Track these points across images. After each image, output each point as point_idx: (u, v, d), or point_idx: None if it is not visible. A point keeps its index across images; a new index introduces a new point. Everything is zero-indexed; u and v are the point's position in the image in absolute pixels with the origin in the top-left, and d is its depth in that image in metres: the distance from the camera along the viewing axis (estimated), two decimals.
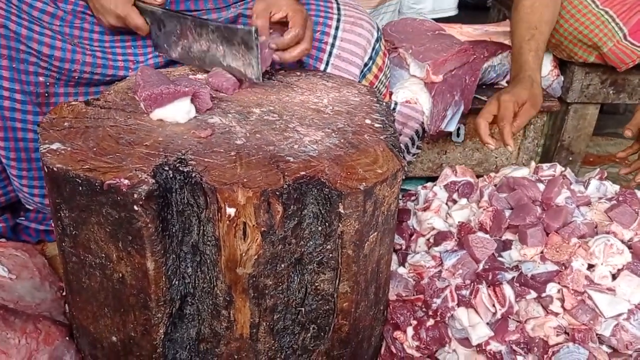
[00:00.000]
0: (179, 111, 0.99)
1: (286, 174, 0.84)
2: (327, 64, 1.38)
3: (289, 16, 1.16)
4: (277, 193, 0.81)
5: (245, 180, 0.82)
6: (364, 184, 0.85)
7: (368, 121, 1.06)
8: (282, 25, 1.19)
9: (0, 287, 1.17)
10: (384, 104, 1.17)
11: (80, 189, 0.80)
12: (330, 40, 1.38)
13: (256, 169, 0.85)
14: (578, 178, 1.34)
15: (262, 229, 0.83)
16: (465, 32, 1.95)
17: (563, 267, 1.04)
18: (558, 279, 1.03)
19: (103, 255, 0.85)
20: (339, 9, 1.43)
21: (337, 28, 1.39)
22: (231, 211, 0.81)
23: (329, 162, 0.89)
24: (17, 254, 1.27)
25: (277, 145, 0.93)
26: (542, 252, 1.07)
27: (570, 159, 2.06)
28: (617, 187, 1.29)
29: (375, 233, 0.92)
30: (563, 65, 1.89)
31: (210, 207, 0.82)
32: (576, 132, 2.00)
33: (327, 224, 0.86)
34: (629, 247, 1.06)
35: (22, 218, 1.44)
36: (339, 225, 0.86)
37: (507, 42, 1.84)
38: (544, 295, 1.02)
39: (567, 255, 1.04)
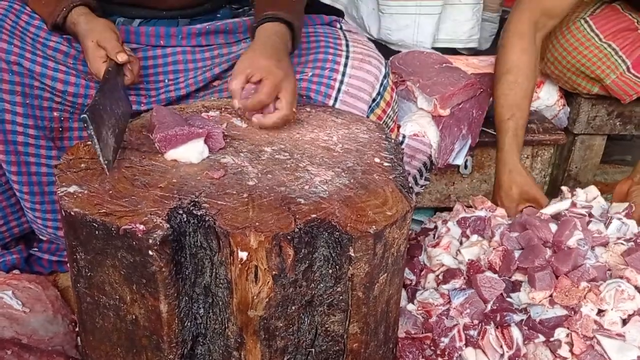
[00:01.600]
0: (192, 152, 1.01)
1: (297, 216, 0.86)
2: (335, 100, 1.41)
3: (262, 81, 1.11)
4: (289, 237, 0.83)
5: (257, 224, 0.83)
6: (374, 227, 0.86)
7: (377, 160, 1.08)
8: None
9: (15, 320, 1.18)
10: (393, 141, 1.18)
11: (97, 232, 0.82)
12: (339, 77, 1.40)
13: (268, 211, 0.87)
14: (608, 208, 1.33)
15: (274, 272, 0.84)
16: (471, 64, 1.97)
17: (572, 312, 1.04)
18: (567, 324, 1.03)
19: (117, 297, 0.86)
20: (347, 46, 1.46)
21: (345, 65, 1.41)
22: (243, 255, 0.83)
23: (339, 203, 0.90)
24: (30, 287, 1.29)
25: (288, 186, 0.95)
26: (551, 296, 1.07)
27: (578, 189, 2.06)
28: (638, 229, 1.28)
29: (385, 274, 0.93)
30: (569, 96, 1.91)
31: (222, 250, 0.83)
32: (583, 162, 2.01)
33: (337, 266, 0.87)
34: None
35: (36, 249, 1.47)
36: (349, 268, 0.87)
37: None
38: (552, 339, 1.03)
39: (576, 299, 1.04)
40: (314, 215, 0.86)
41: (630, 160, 2.58)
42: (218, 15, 1.54)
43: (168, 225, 0.81)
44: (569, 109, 1.93)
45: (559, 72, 1.80)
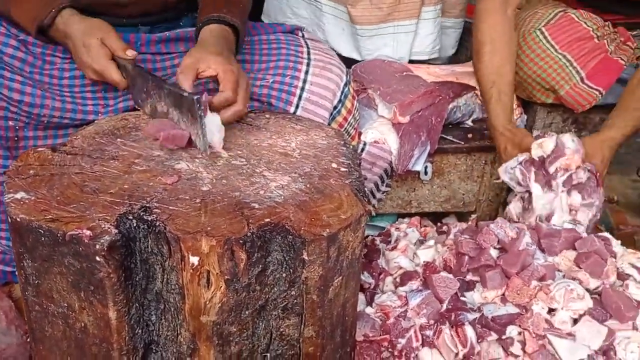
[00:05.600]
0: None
1: (250, 221, 0.86)
2: (297, 107, 1.41)
3: (220, 76, 1.10)
4: (241, 241, 0.82)
5: (209, 228, 0.83)
6: (327, 230, 0.87)
7: (334, 165, 1.09)
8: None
9: None
10: (351, 146, 1.19)
11: (43, 239, 0.80)
12: (300, 84, 1.41)
13: (220, 216, 0.87)
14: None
15: (226, 277, 0.84)
16: (433, 72, 2.00)
17: (524, 310, 1.07)
18: (519, 322, 1.05)
19: (65, 304, 0.85)
20: (309, 53, 1.47)
21: (307, 72, 1.42)
22: (194, 260, 0.82)
23: (294, 208, 0.91)
24: None
25: (243, 192, 0.95)
26: (503, 295, 1.09)
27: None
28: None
29: (340, 277, 0.94)
30: (526, 104, 1.96)
31: (173, 255, 0.83)
32: None
33: (291, 270, 0.87)
34: (597, 294, 1.09)
35: None
36: (303, 272, 0.87)
37: (472, 82, 1.91)
38: (504, 337, 1.05)
39: (527, 297, 1.07)
40: (267, 220, 0.86)
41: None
42: (180, 23, 1.53)
43: (116, 231, 0.80)
44: (526, 117, 1.97)
45: (515, 82, 1.84)
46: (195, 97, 1.00)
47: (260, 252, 0.85)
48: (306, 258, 0.86)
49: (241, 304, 0.87)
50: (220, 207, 0.89)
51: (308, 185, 0.99)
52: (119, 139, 1.09)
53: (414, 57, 1.98)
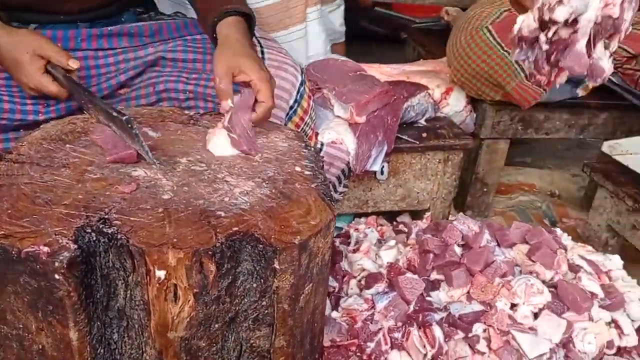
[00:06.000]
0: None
1: (218, 230, 0.82)
2: None
3: (256, 84, 1.09)
4: (210, 252, 0.79)
5: (175, 240, 0.79)
6: (298, 237, 0.85)
7: (298, 168, 1.06)
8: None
9: None
10: (312, 149, 1.18)
11: None
12: None
13: (186, 226, 0.83)
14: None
15: (195, 290, 0.80)
16: (385, 72, 2.02)
17: (488, 307, 1.09)
18: (484, 319, 1.07)
19: (21, 326, 0.78)
20: (262, 53, 1.44)
21: None
22: (161, 274, 0.78)
23: (261, 215, 0.88)
24: None
25: (206, 199, 0.91)
26: (468, 293, 1.11)
27: (485, 190, 2.18)
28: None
29: (310, 284, 0.92)
30: (475, 102, 2.01)
31: (138, 270, 0.78)
32: (489, 165, 2.12)
33: (262, 280, 0.84)
34: (552, 287, 1.12)
35: None
36: (275, 281, 0.85)
37: (424, 81, 1.94)
38: (470, 335, 1.06)
39: (491, 294, 1.09)
40: (235, 229, 0.83)
41: (529, 162, 2.76)
42: (122, 19, 1.47)
43: (75, 246, 0.75)
44: (475, 115, 2.02)
45: (465, 79, 1.88)
46: (124, 118, 0.97)
47: (230, 262, 0.82)
48: (277, 267, 0.84)
49: (210, 317, 0.83)
50: (184, 216, 0.85)
51: (273, 190, 0.96)
52: (67, 145, 1.03)
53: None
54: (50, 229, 0.77)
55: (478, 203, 2.18)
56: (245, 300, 0.86)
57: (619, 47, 2.05)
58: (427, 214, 1.80)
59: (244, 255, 0.83)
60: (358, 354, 1.09)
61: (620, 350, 1.15)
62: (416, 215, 1.89)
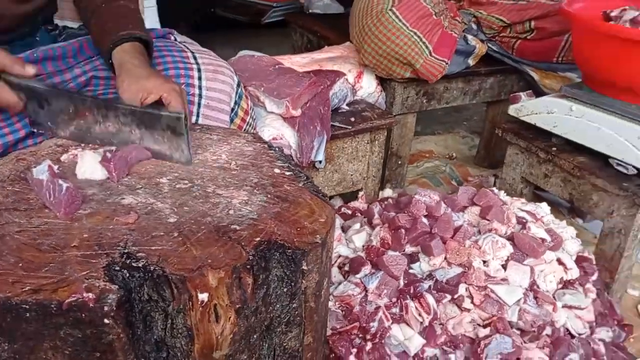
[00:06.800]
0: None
1: (243, 244, 0.83)
2: (198, 116, 1.36)
3: (166, 98, 1.07)
4: (248, 267, 0.80)
5: (210, 261, 0.78)
6: (318, 236, 0.88)
7: (277, 170, 1.08)
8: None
9: None
10: (276, 148, 1.20)
11: (28, 315, 0.68)
12: (197, 91, 1.36)
13: (211, 246, 0.82)
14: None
15: (237, 305, 0.80)
16: (296, 62, 2.06)
17: (466, 268, 1.20)
18: (464, 279, 1.19)
19: None
20: (195, 58, 1.41)
21: (200, 78, 1.37)
22: (204, 297, 0.77)
23: (273, 221, 0.90)
24: None
25: (212, 215, 0.90)
26: (445, 259, 1.21)
27: (400, 162, 2.33)
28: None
29: (327, 279, 0.96)
30: (384, 82, 2.13)
31: (180, 297, 0.77)
32: (401, 139, 2.27)
33: (292, 283, 0.87)
34: (509, 239, 1.26)
35: None
36: (303, 282, 0.87)
37: (336, 68, 2.01)
38: (456, 296, 1.17)
39: (465, 256, 1.20)
40: (258, 239, 0.84)
41: (419, 130, 2.99)
42: (37, 39, 1.35)
43: (116, 287, 0.71)
44: (385, 94, 2.14)
45: (375, 61, 1.99)
46: (183, 114, 1.00)
47: (265, 272, 0.83)
48: (305, 268, 0.86)
49: (250, 329, 0.84)
50: (203, 236, 0.84)
51: (269, 196, 0.98)
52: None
53: None
54: (77, 275, 0.73)
55: (395, 175, 2.33)
56: (278, 305, 0.87)
57: (496, 17, 2.30)
58: (361, 193, 1.89)
59: (273, 263, 0.85)
60: (360, 335, 1.15)
61: (566, 284, 1.34)
62: (345, 196, 1.98)
